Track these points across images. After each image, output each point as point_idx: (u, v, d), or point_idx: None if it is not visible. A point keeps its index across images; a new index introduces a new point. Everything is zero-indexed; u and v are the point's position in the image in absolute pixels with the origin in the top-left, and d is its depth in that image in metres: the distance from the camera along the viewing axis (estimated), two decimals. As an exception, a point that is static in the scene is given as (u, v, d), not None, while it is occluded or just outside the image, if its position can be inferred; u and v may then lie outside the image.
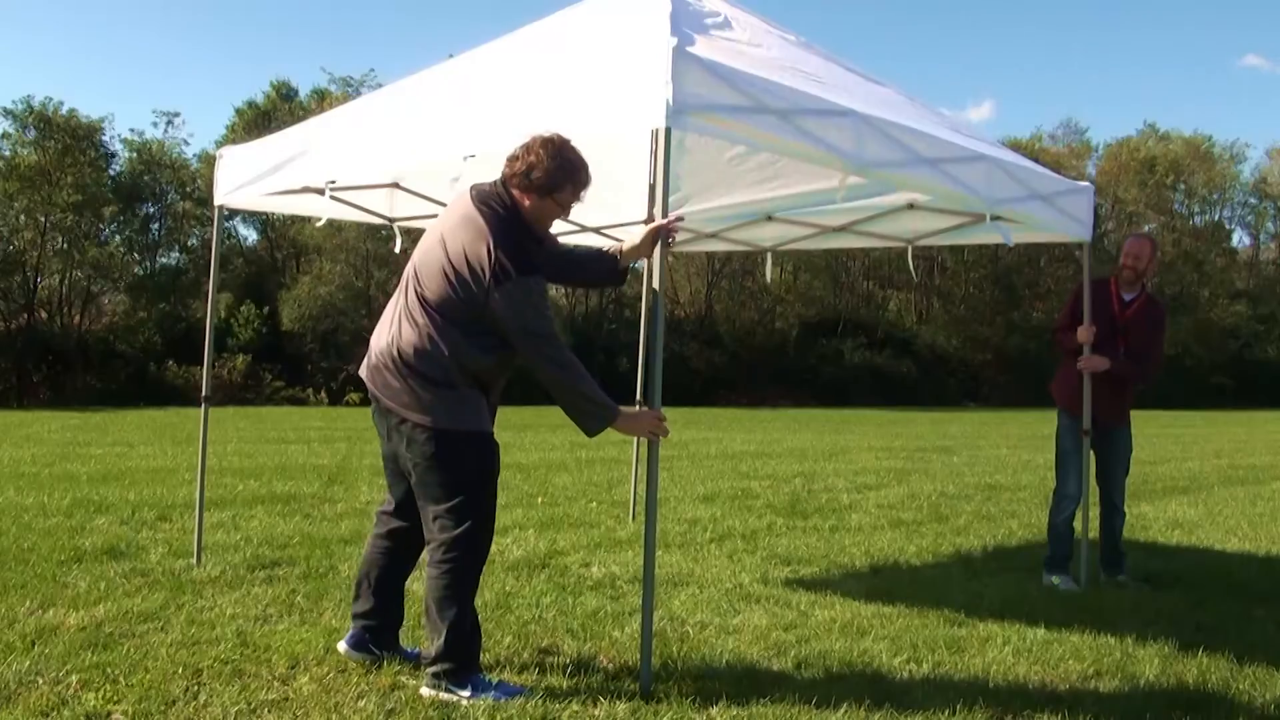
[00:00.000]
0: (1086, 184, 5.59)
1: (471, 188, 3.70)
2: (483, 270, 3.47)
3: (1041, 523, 8.22)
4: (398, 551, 3.88)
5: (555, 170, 3.61)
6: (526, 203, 3.66)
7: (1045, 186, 5.20)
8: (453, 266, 3.51)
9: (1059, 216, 5.32)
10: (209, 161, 36.24)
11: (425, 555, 3.70)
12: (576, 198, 3.73)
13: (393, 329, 3.64)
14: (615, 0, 4.75)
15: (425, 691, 3.57)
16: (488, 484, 3.67)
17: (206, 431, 5.73)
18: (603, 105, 3.75)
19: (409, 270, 3.68)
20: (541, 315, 3.54)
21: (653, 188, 3.74)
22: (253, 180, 5.28)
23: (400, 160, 4.70)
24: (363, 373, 3.78)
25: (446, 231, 3.60)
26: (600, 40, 4.27)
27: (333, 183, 5.03)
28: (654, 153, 3.66)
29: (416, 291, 3.60)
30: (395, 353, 3.58)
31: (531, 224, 3.69)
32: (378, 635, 3.89)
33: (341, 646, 3.92)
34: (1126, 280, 5.90)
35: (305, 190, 5.18)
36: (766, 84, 3.82)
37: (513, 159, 3.64)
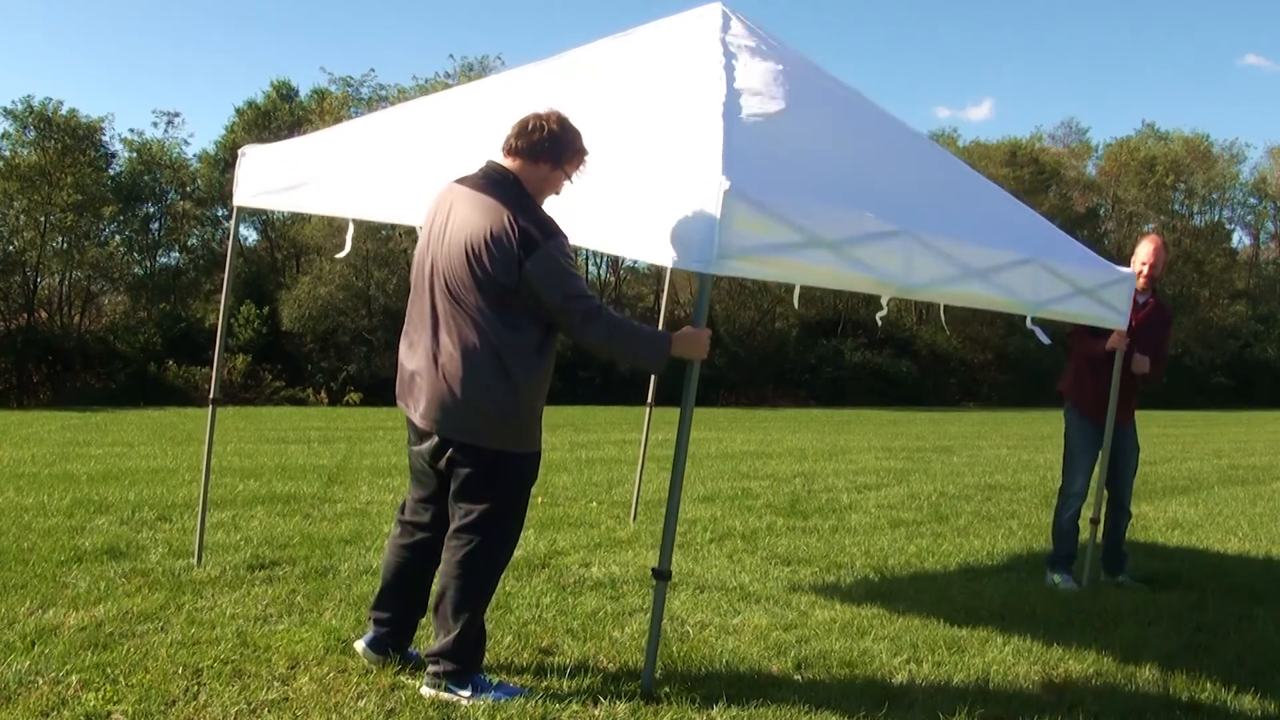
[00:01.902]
0: (1129, 271, 5.30)
1: (458, 181, 3.60)
2: (510, 242, 3.35)
3: (1042, 523, 8.22)
4: (423, 561, 3.78)
5: (567, 141, 3.57)
6: (532, 174, 3.57)
7: (1090, 280, 4.96)
8: (475, 253, 3.38)
9: (1100, 308, 5.10)
10: (209, 161, 36.21)
11: (445, 552, 3.63)
12: (581, 166, 3.65)
13: (430, 344, 3.49)
14: (667, 49, 4.54)
15: (426, 691, 3.57)
16: (525, 494, 3.69)
17: (213, 433, 5.71)
18: (643, 232, 3.62)
19: (427, 279, 3.54)
20: (576, 277, 3.44)
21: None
22: (275, 191, 5.09)
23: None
24: (401, 402, 3.67)
25: (457, 225, 3.48)
26: (647, 122, 4.05)
27: (358, 220, 4.88)
28: (695, 291, 3.56)
29: (449, 296, 3.46)
30: (440, 366, 3.46)
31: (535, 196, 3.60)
32: (396, 639, 3.86)
33: (359, 646, 3.86)
34: (1143, 286, 5.93)
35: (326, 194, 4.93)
36: (821, 213, 3.68)
37: (520, 134, 3.54)
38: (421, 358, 3.52)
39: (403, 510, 3.85)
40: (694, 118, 3.94)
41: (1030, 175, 45.10)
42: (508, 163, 3.57)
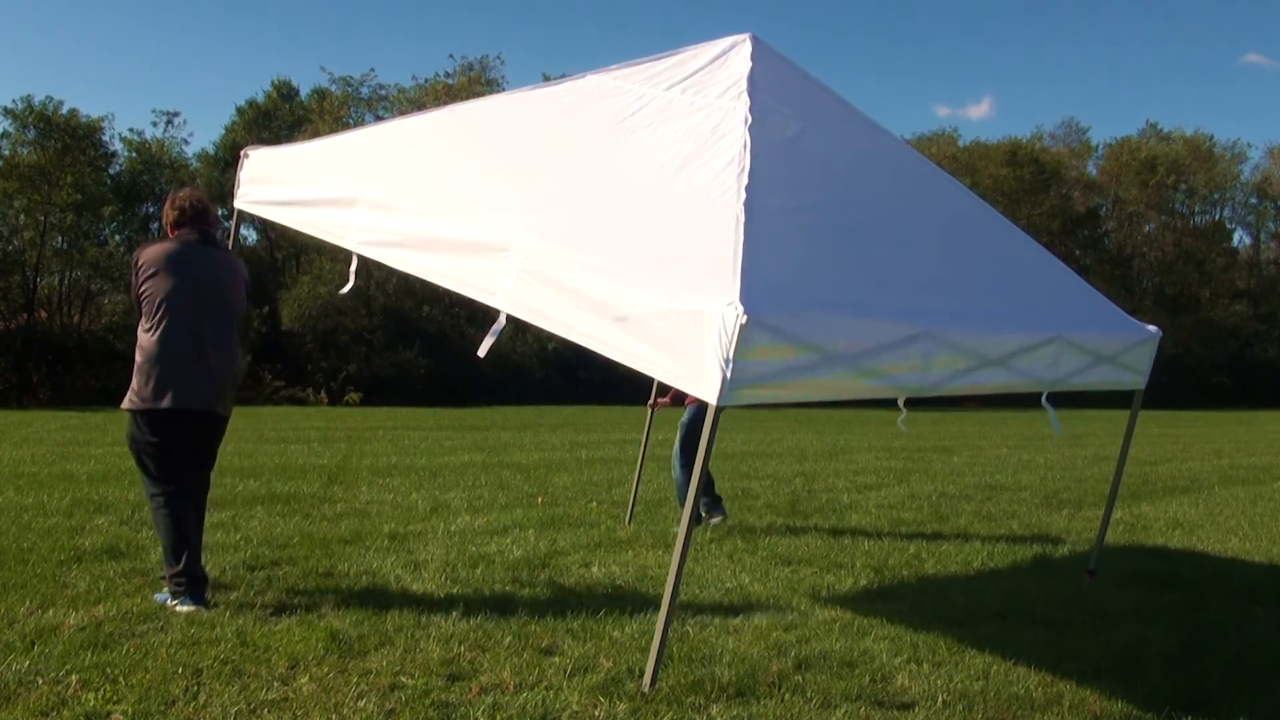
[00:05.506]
0: (1154, 330, 5.07)
1: (194, 241, 4.72)
2: (250, 283, 4.99)
3: (1042, 523, 8.24)
4: (199, 516, 4.81)
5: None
6: None
7: (1112, 347, 4.78)
8: (245, 287, 4.85)
9: (1120, 373, 4.92)
10: (209, 161, 36.20)
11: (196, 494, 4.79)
12: None
13: (224, 350, 4.70)
14: (691, 104, 4.39)
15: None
16: None
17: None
18: (651, 346, 3.48)
19: (207, 304, 4.63)
20: None
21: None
22: (277, 205, 5.01)
23: (439, 270, 4.26)
24: (194, 402, 4.58)
25: (224, 269, 4.80)
26: (661, 209, 3.89)
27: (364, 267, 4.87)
28: (704, 431, 3.40)
29: (226, 316, 4.74)
30: (234, 368, 4.79)
31: None
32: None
33: (200, 609, 4.47)
34: None
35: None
36: (839, 326, 3.52)
37: (209, 213, 4.87)
38: (216, 363, 4.65)
39: (173, 483, 4.63)
40: (711, 214, 3.68)
41: (1030, 175, 45.08)
42: (200, 229, 4.79)
